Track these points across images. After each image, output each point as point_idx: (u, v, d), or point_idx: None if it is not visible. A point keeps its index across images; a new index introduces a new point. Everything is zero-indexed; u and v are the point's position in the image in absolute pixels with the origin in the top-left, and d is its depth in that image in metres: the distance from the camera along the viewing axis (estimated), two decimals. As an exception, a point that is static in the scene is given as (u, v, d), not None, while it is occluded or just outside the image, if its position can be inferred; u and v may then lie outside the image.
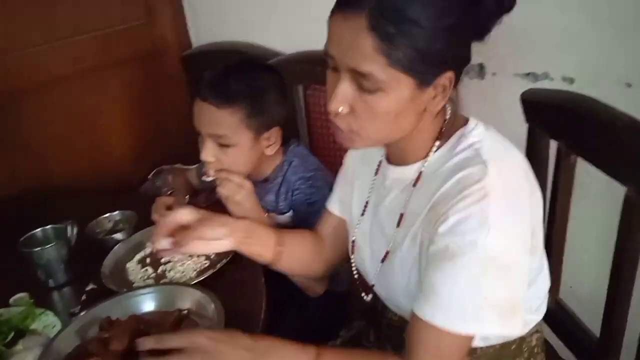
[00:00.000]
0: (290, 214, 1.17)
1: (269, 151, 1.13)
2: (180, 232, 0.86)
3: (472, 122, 0.79)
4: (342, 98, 0.71)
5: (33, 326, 0.91)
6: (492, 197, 0.68)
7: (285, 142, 1.19)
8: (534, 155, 1.08)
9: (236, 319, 0.89)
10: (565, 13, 1.20)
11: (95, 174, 1.73)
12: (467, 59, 0.74)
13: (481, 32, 0.72)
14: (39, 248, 1.02)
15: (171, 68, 1.89)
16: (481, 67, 1.33)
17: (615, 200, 0.89)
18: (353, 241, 0.94)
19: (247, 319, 0.90)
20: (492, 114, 1.32)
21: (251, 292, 0.97)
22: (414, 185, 0.80)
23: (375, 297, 0.93)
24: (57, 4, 1.57)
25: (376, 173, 0.90)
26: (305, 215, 1.11)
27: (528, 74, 1.28)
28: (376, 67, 0.67)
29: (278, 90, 1.12)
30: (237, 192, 1.07)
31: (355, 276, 0.96)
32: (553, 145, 1.04)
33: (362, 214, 0.91)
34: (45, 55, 1.56)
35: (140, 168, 1.85)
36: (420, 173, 0.79)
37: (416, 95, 0.70)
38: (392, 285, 0.84)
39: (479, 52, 1.33)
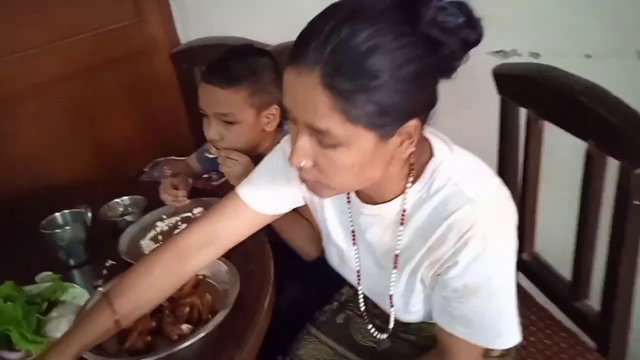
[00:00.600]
0: None
1: (269, 127, 1.23)
2: None
3: (438, 152, 0.76)
4: (302, 152, 0.68)
5: (62, 298, 0.99)
6: (492, 233, 0.71)
7: (280, 124, 1.28)
8: (507, 123, 1.20)
9: (249, 281, 0.99)
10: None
11: (94, 168, 1.81)
12: (432, 103, 0.70)
13: (447, 71, 0.68)
14: (60, 230, 1.10)
15: (161, 65, 1.97)
16: (455, 47, 1.45)
17: (580, 160, 1.00)
18: (358, 271, 0.92)
19: (258, 281, 1.00)
20: (468, 89, 1.43)
21: (259, 258, 1.06)
22: (402, 223, 0.79)
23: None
24: (52, 7, 1.64)
25: (348, 202, 0.88)
26: None
27: (499, 52, 1.40)
28: (333, 124, 0.63)
29: (275, 71, 1.22)
30: (237, 167, 1.17)
31: (362, 307, 0.97)
32: (523, 113, 1.16)
33: (354, 243, 0.90)
34: (42, 56, 1.62)
35: (135, 161, 1.94)
36: (404, 211, 0.78)
37: (379, 146, 0.67)
38: (401, 312, 0.89)
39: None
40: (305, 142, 0.68)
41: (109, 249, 1.15)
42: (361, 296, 0.95)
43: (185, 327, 0.88)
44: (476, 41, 0.67)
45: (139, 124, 1.94)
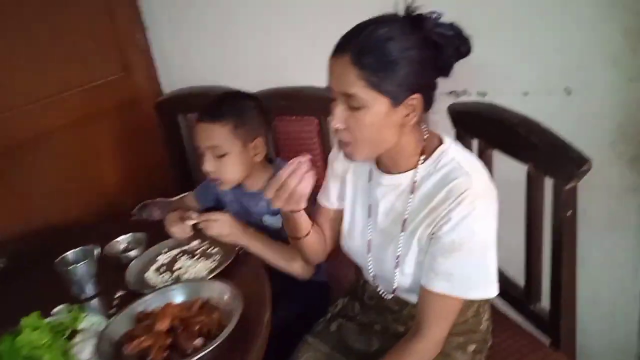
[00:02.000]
0: (279, 215, 1.40)
1: (257, 158, 1.40)
2: None
3: (447, 141, 1.02)
4: (338, 117, 0.95)
5: (81, 326, 1.10)
6: (480, 199, 0.93)
7: (272, 161, 1.45)
8: (461, 153, 1.39)
9: (250, 301, 1.11)
10: (476, 44, 1.54)
11: (87, 211, 1.91)
12: (432, 86, 0.97)
13: (444, 69, 0.96)
14: (73, 266, 1.22)
15: (146, 114, 2.11)
16: (414, 90, 1.66)
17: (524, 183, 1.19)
18: (369, 240, 1.12)
19: (258, 300, 1.13)
20: (428, 124, 1.64)
21: (256, 282, 1.20)
22: (412, 192, 1.01)
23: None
24: (47, 64, 1.78)
25: (369, 180, 1.11)
26: None
27: (451, 92, 1.61)
28: (358, 89, 0.90)
29: (258, 109, 1.41)
30: (223, 225, 1.31)
31: (372, 275, 1.14)
32: (475, 143, 1.36)
33: (369, 216, 1.11)
34: (37, 110, 1.75)
35: (125, 204, 2.04)
36: (415, 182, 1.01)
37: (391, 112, 0.92)
38: (406, 277, 1.06)
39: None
40: (340, 109, 0.95)
41: (116, 281, 1.27)
42: (370, 264, 1.13)
43: (198, 340, 1.00)
44: (467, 51, 0.96)
45: (127, 170, 2.07)
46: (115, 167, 2.04)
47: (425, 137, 1.03)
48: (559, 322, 1.19)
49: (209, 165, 1.37)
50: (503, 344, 1.26)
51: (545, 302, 1.26)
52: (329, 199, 1.21)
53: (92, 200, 1.94)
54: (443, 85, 1.66)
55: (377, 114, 0.93)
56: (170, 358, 1.00)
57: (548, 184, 1.15)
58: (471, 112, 1.36)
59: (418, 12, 0.94)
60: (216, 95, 1.45)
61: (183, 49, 2.09)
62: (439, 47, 0.93)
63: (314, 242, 1.20)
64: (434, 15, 0.94)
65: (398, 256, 1.05)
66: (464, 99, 1.59)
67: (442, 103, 1.44)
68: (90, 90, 1.91)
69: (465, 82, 1.60)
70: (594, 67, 1.44)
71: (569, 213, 1.10)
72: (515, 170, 1.22)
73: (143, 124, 2.11)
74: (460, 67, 1.60)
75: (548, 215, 1.17)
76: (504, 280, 1.37)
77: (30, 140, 1.73)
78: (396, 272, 1.06)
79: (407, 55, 0.90)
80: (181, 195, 1.70)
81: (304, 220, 1.14)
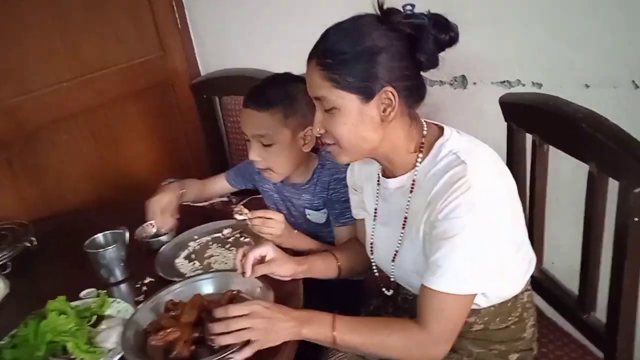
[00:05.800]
0: (324, 210, 1.33)
1: (306, 148, 1.28)
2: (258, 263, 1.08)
3: (447, 132, 0.97)
4: (317, 122, 0.96)
5: (108, 312, 1.07)
6: (474, 188, 0.87)
7: (316, 150, 1.35)
8: (513, 148, 1.29)
9: (281, 300, 1.05)
10: (530, 31, 1.43)
11: (120, 193, 1.89)
12: (410, 78, 0.92)
13: (429, 60, 0.91)
14: (102, 249, 1.19)
15: (182, 95, 2.08)
16: (463, 78, 1.55)
17: (583, 182, 1.09)
18: (372, 243, 1.12)
19: (290, 299, 1.08)
20: (476, 117, 1.55)
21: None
22: (411, 191, 0.98)
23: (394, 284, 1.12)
24: (83, 43, 1.76)
25: (378, 184, 1.08)
26: (341, 211, 1.28)
27: (503, 82, 1.50)
28: (325, 90, 0.91)
29: (308, 95, 1.29)
30: (278, 226, 1.19)
31: (376, 274, 1.14)
32: (529, 138, 1.25)
33: (375, 219, 1.10)
34: (74, 89, 1.74)
35: (157, 186, 2.02)
36: (414, 180, 0.98)
37: (364, 108, 0.91)
38: (405, 273, 1.04)
39: (460, 65, 1.56)
40: (319, 114, 0.96)
41: (146, 267, 1.23)
42: (374, 265, 1.14)
43: (226, 336, 0.95)
44: (450, 40, 0.91)
45: (161, 150, 2.05)
46: (149, 149, 2.01)
47: (424, 132, 0.99)
48: (615, 337, 1.09)
49: (254, 154, 1.25)
50: (551, 355, 1.17)
51: (600, 313, 1.16)
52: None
53: (125, 182, 1.92)
54: (494, 74, 1.58)
55: (349, 113, 0.91)
56: (197, 353, 0.95)
57: (612, 186, 1.04)
58: (527, 104, 1.25)
59: (389, 6, 0.92)
60: (263, 78, 1.33)
61: (222, 29, 2.04)
62: (413, 37, 0.89)
63: (351, 266, 1.22)
64: (406, 7, 0.91)
65: (396, 251, 1.03)
66: (517, 89, 1.48)
67: (493, 93, 1.36)
68: (127, 69, 1.89)
69: (518, 72, 1.49)
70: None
71: (636, 219, 0.99)
72: (572, 169, 1.12)
73: (179, 106, 2.08)
74: (514, 55, 1.51)
75: (610, 219, 1.07)
76: (554, 286, 1.28)
77: (64, 120, 1.72)
78: (392, 266, 1.05)
79: (368, 49, 0.88)
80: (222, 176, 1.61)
81: (318, 272, 1.17)
